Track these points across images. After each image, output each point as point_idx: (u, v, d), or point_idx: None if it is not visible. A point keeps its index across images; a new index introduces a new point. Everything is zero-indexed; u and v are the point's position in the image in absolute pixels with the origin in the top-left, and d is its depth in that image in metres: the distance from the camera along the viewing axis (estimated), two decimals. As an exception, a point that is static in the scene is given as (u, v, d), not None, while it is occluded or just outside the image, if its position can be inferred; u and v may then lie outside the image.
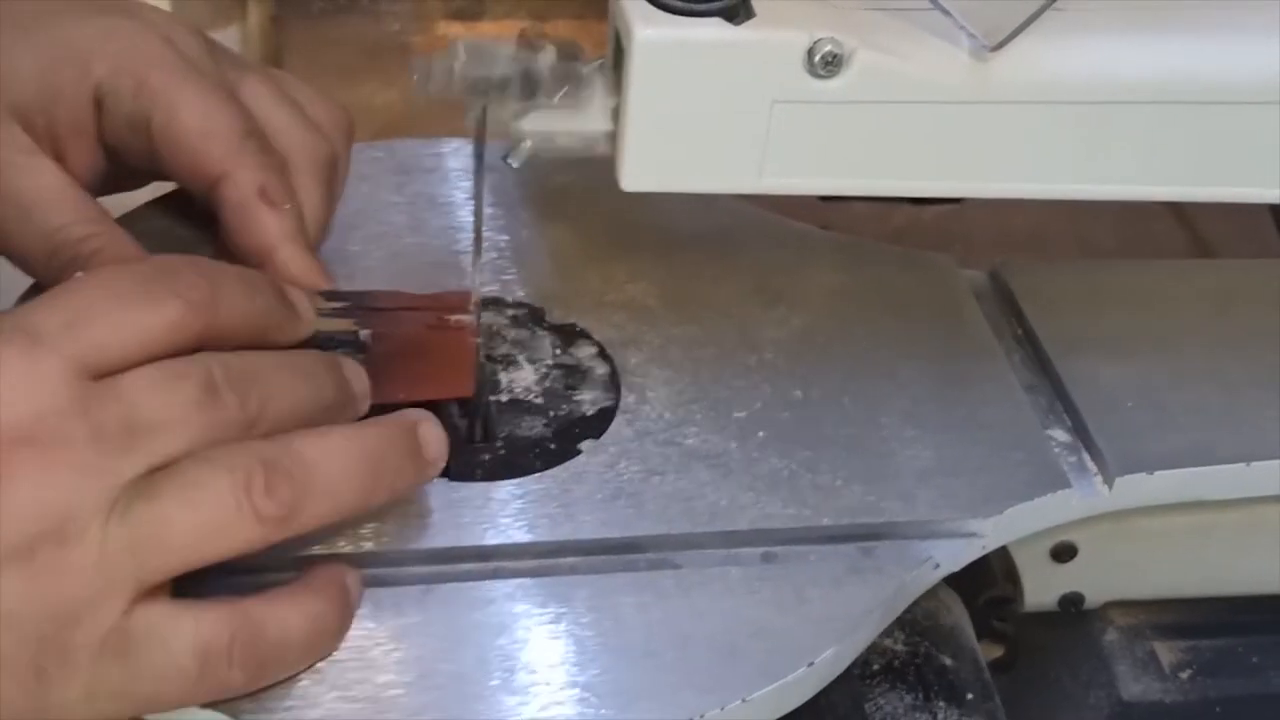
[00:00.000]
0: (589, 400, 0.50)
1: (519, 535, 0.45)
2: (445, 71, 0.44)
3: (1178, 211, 0.78)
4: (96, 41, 0.47)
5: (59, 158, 0.47)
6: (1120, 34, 0.46)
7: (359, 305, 0.47)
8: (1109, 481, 0.49)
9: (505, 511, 0.45)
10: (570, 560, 0.45)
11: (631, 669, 0.42)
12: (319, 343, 0.45)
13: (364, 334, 0.46)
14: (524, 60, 0.44)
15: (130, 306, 0.39)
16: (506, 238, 0.56)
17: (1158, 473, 0.49)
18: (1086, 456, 0.50)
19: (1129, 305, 0.56)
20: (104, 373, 0.38)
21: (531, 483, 0.47)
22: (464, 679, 0.41)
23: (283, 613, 0.40)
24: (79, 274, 0.41)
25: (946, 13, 0.43)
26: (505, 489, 0.46)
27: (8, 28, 0.48)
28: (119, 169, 0.50)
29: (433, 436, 0.43)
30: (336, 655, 0.41)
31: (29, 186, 0.46)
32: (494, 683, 0.41)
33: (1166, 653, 0.54)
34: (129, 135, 0.48)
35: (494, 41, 0.44)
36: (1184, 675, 0.53)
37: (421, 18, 1.04)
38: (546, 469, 0.47)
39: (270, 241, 0.47)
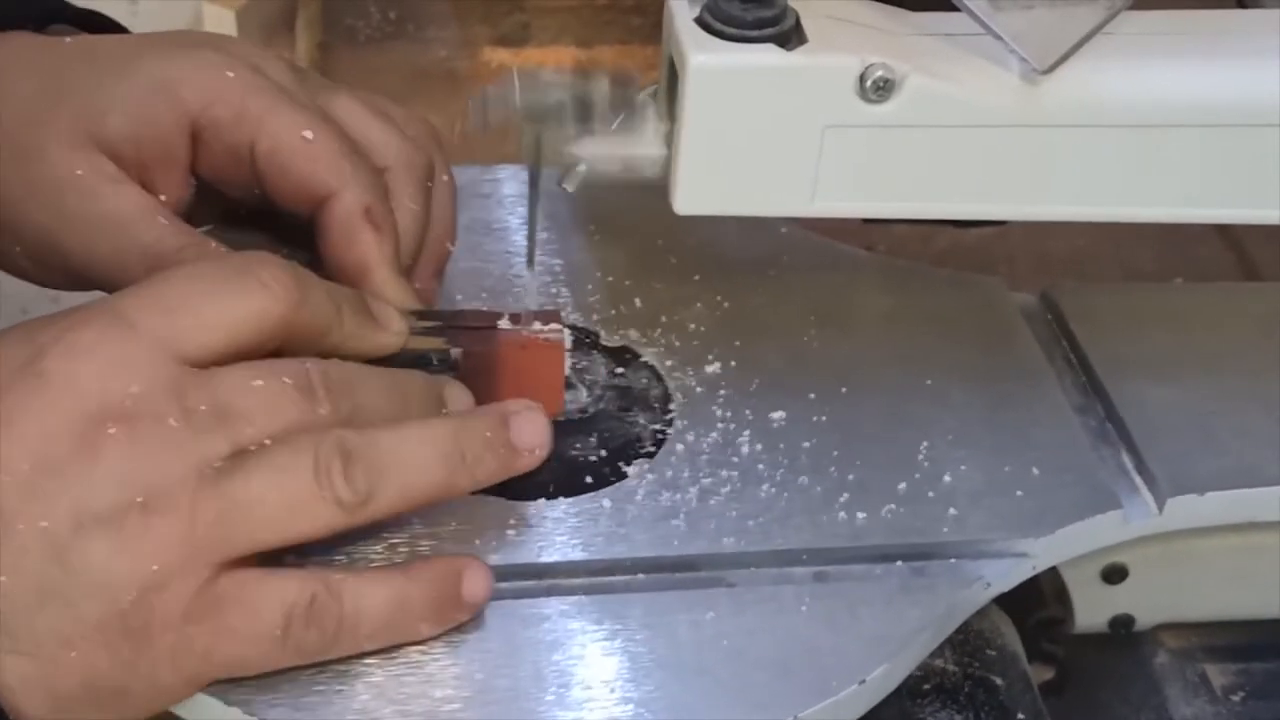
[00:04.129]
0: (642, 421, 0.50)
1: (574, 553, 0.45)
2: (501, 100, 0.45)
3: (1225, 234, 0.78)
4: (187, 74, 0.48)
5: (148, 189, 0.48)
6: (1170, 57, 0.46)
7: (451, 324, 0.48)
8: (1160, 503, 0.49)
9: (560, 530, 0.46)
10: (624, 578, 0.45)
11: (685, 686, 0.42)
12: (412, 361, 0.46)
13: (455, 352, 0.47)
14: (578, 88, 0.45)
15: (219, 295, 0.41)
16: (560, 261, 0.57)
17: (1208, 494, 0.49)
18: (1137, 478, 0.51)
19: (1179, 328, 0.56)
20: (196, 359, 0.40)
21: (586, 502, 0.47)
22: (520, 694, 0.41)
23: (364, 586, 0.41)
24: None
25: (998, 37, 0.44)
26: (560, 508, 0.47)
27: (96, 65, 0.49)
28: (210, 201, 0.51)
29: (528, 425, 0.44)
30: (394, 669, 0.42)
31: (120, 208, 0.47)
32: (549, 698, 0.41)
33: (1218, 675, 0.54)
34: (229, 165, 0.49)
35: (549, 70, 0.45)
36: (1236, 698, 0.53)
37: (468, 44, 1.05)
38: (600, 488, 0.48)
39: (370, 262, 0.48)
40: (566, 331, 0.48)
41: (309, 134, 0.48)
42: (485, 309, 0.50)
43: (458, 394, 0.46)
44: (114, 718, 0.40)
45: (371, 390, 0.43)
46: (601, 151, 0.46)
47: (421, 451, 0.42)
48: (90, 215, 0.47)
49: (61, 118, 0.48)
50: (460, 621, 0.43)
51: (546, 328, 0.48)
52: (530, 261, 0.50)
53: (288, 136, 0.48)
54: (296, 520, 0.40)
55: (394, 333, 0.46)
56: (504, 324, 0.48)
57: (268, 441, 0.40)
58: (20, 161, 0.48)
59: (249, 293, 0.41)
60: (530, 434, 0.44)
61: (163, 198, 0.49)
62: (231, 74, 0.48)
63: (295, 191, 0.48)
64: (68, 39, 0.51)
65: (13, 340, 0.40)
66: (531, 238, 0.50)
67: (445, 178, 0.53)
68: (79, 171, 0.47)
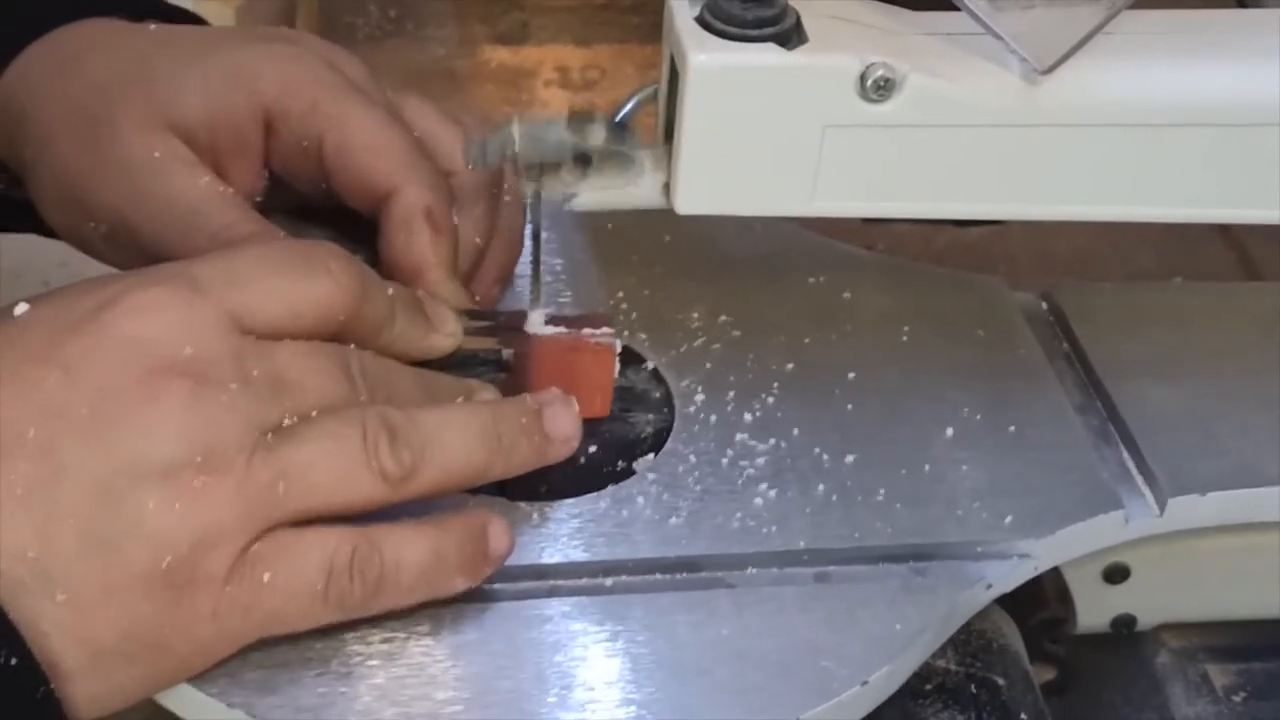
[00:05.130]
0: (643, 421, 0.50)
1: (576, 554, 0.45)
2: (499, 148, 0.45)
3: (1226, 234, 0.78)
4: (263, 66, 0.49)
5: (221, 177, 0.49)
6: (1170, 57, 0.46)
7: (502, 325, 0.48)
8: (1161, 503, 0.49)
9: (562, 530, 0.46)
10: (626, 579, 0.45)
11: (686, 687, 0.42)
12: (462, 360, 0.47)
13: (506, 353, 0.48)
14: (575, 140, 0.45)
15: (287, 276, 0.42)
16: (561, 261, 0.57)
17: (1210, 494, 0.49)
18: (1138, 478, 0.51)
19: (1180, 327, 0.56)
20: (254, 332, 0.41)
21: (587, 502, 0.47)
22: (522, 695, 0.41)
23: (401, 537, 0.41)
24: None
25: (998, 36, 0.44)
26: (562, 508, 0.47)
27: (176, 51, 0.50)
28: (280, 195, 0.51)
29: (561, 416, 0.45)
30: (395, 671, 0.42)
31: (191, 191, 0.48)
32: (551, 699, 0.41)
33: (1220, 675, 0.53)
34: (298, 157, 0.49)
35: (546, 122, 0.46)
36: (1237, 698, 0.53)
37: (466, 43, 1.05)
38: (602, 489, 0.48)
39: (426, 262, 0.48)
40: (617, 338, 0.49)
41: (377, 130, 0.48)
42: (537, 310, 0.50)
43: (485, 397, 0.46)
44: (151, 674, 0.40)
45: (403, 387, 0.44)
46: (600, 204, 0.47)
47: (462, 433, 0.43)
48: (162, 197, 0.48)
49: (138, 99, 0.48)
50: (488, 575, 0.43)
51: (598, 331, 0.48)
52: (535, 277, 0.50)
53: (356, 131, 0.48)
54: (343, 489, 0.40)
55: (446, 334, 0.46)
56: (556, 326, 0.48)
57: (314, 414, 0.41)
58: (97, 140, 0.48)
59: (315, 279, 0.42)
60: (563, 424, 0.45)
61: (235, 185, 0.49)
62: (306, 67, 0.49)
63: (360, 187, 0.49)
64: (151, 25, 0.51)
65: (78, 292, 0.40)
66: (536, 287, 0.50)
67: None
68: (154, 153, 0.48)
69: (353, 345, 0.43)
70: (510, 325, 0.49)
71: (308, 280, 0.42)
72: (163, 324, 0.39)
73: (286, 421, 0.40)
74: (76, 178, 0.49)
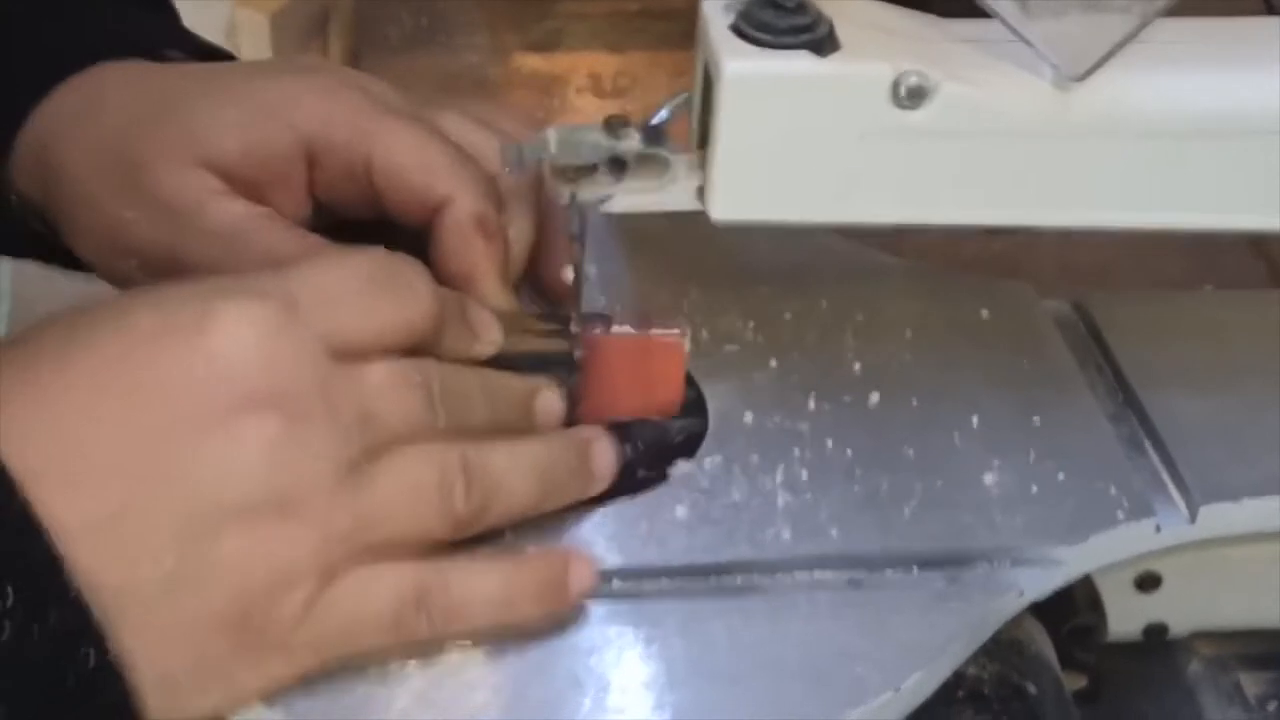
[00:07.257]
0: (677, 427, 0.51)
1: (610, 559, 0.46)
2: (535, 153, 0.46)
3: (1255, 244, 0.78)
4: (298, 98, 0.49)
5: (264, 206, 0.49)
6: (1202, 65, 0.46)
7: (571, 327, 0.49)
8: (1193, 510, 0.49)
9: (597, 536, 0.46)
10: (660, 584, 0.45)
11: (720, 692, 0.42)
12: (534, 363, 0.47)
13: (577, 354, 0.48)
14: (610, 146, 0.46)
15: (382, 298, 0.42)
16: (594, 269, 0.57)
17: (1243, 501, 0.49)
18: (1170, 485, 0.50)
19: (1211, 335, 0.56)
20: (343, 353, 0.41)
21: (621, 507, 0.47)
22: (557, 699, 0.42)
23: (473, 573, 0.42)
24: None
25: (1030, 44, 0.44)
26: (596, 513, 0.47)
27: (207, 88, 0.50)
28: (327, 220, 0.51)
29: (604, 454, 0.46)
30: (433, 674, 0.42)
31: (229, 219, 0.48)
32: (586, 703, 0.42)
33: (1252, 684, 0.53)
34: (345, 183, 0.49)
35: (582, 128, 0.46)
36: (1270, 707, 0.53)
37: (498, 50, 1.06)
38: (636, 494, 0.48)
39: (479, 270, 0.49)
40: (686, 335, 0.49)
41: (421, 145, 0.49)
42: (603, 310, 0.51)
43: (550, 401, 0.47)
44: (216, 702, 0.40)
45: (475, 401, 0.44)
46: (634, 209, 0.47)
47: (525, 476, 0.44)
48: (203, 230, 0.48)
49: (168, 137, 0.48)
50: (565, 608, 0.43)
51: (667, 331, 0.49)
52: (578, 309, 0.50)
53: (401, 150, 0.49)
54: (414, 530, 0.41)
55: (486, 343, 0.46)
56: (625, 326, 0.49)
57: (394, 448, 0.41)
58: (130, 181, 0.48)
59: (410, 303, 0.42)
60: (607, 462, 0.46)
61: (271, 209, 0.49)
62: (343, 96, 0.49)
63: (411, 203, 0.49)
64: (176, 64, 0.52)
65: (183, 296, 0.40)
66: (578, 292, 0.50)
67: None
68: (186, 189, 0.48)
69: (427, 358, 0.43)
70: (579, 328, 0.49)
71: (398, 299, 0.42)
72: (258, 347, 0.39)
73: (376, 451, 0.40)
74: (113, 219, 0.49)
